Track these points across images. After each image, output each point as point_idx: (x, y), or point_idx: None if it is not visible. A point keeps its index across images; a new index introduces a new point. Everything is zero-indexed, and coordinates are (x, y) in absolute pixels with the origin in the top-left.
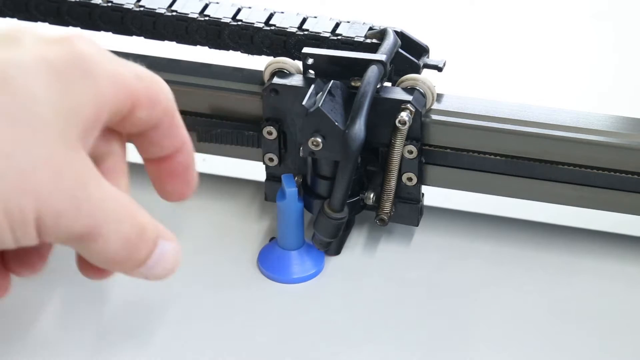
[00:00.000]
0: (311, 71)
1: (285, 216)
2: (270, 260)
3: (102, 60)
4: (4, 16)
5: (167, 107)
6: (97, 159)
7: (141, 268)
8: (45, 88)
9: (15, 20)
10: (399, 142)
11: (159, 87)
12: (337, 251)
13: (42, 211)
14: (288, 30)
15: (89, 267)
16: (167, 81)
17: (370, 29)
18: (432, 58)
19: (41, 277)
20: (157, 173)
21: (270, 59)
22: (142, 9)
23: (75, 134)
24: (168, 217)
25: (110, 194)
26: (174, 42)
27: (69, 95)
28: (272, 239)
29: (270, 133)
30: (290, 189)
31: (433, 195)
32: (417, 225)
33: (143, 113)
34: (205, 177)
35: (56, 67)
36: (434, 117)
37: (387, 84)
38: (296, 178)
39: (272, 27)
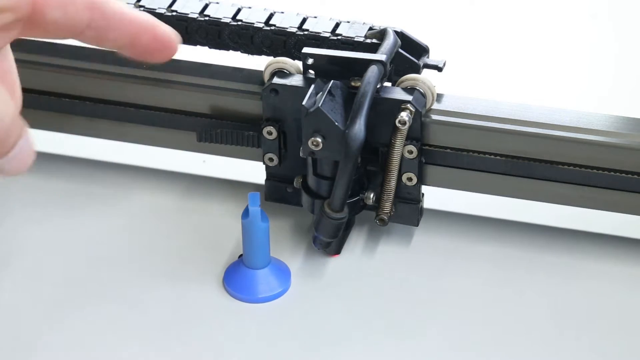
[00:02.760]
0: (311, 71)
1: (249, 235)
2: (236, 280)
3: None
4: None
5: (87, 1)
6: None
7: (2, 159)
8: None
9: None
10: (399, 142)
11: None
12: (337, 251)
13: None
14: (288, 30)
15: None
16: (167, 81)
17: (370, 29)
18: (432, 58)
19: None
20: (132, 55)
21: (270, 59)
22: (141, 9)
23: None
24: (170, 217)
25: None
26: None
27: None
28: (240, 256)
29: (270, 133)
30: (254, 207)
31: (433, 197)
32: (417, 226)
33: (55, 13)
34: (206, 179)
35: None
36: (434, 117)
37: (387, 84)
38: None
39: (272, 27)
